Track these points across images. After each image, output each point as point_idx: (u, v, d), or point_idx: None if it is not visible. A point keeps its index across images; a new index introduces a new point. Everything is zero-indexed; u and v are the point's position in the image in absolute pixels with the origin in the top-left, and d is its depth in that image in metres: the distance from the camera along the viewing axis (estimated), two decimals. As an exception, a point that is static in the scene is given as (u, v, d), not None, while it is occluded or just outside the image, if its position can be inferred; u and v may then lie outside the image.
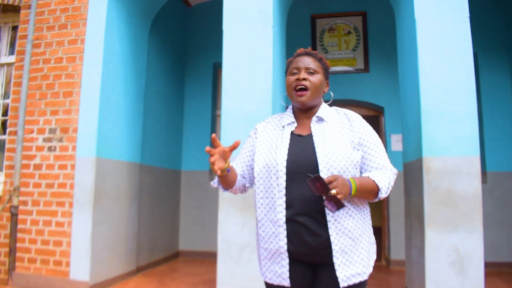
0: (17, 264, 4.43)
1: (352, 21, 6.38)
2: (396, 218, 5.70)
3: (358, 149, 1.69)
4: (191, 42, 6.93)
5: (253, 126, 3.74)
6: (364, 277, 1.63)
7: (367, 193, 1.61)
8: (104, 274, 4.38)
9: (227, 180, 1.76)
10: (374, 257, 1.72)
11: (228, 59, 4.00)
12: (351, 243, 1.61)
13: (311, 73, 1.77)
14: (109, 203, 4.50)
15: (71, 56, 4.56)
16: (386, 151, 5.91)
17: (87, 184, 4.26)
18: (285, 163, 1.66)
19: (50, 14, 4.74)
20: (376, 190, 1.63)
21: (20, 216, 4.48)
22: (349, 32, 6.36)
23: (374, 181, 1.62)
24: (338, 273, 1.59)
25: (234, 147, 1.60)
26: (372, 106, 6.27)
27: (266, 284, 1.75)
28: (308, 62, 1.78)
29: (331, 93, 1.92)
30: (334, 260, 1.59)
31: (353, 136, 1.71)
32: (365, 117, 6.08)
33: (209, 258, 6.07)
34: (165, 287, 4.50)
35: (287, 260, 1.64)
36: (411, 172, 3.95)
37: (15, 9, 5.18)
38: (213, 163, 1.58)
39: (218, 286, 3.75)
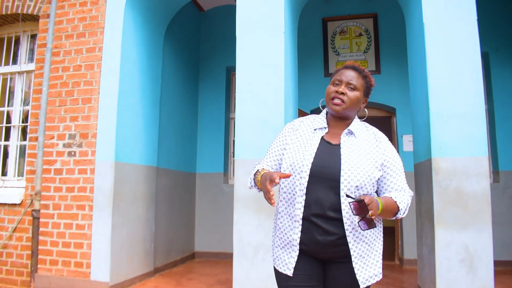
0: (39, 266, 4.60)
1: (363, 23, 6.45)
2: (409, 218, 5.73)
3: (380, 170, 1.81)
4: (204, 47, 7.07)
5: (266, 129, 3.88)
6: (380, 277, 1.79)
7: (388, 213, 1.73)
8: (123, 275, 4.53)
9: None
10: None
11: (241, 65, 4.12)
12: (368, 247, 1.76)
13: (351, 89, 1.86)
14: (127, 206, 4.65)
15: (90, 63, 4.71)
16: (398, 152, 5.97)
17: (106, 187, 4.41)
18: (310, 166, 1.77)
19: (69, 23, 4.91)
20: (396, 210, 1.75)
21: (41, 220, 4.64)
22: (360, 34, 6.44)
23: (396, 202, 1.74)
24: (358, 276, 1.73)
25: (286, 176, 1.69)
26: (384, 107, 6.33)
27: (276, 271, 1.88)
28: (351, 77, 1.87)
29: (366, 110, 2.01)
30: (354, 264, 1.74)
31: (377, 156, 1.82)
32: (377, 118, 6.13)
33: (224, 259, 6.19)
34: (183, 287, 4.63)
35: (297, 252, 1.77)
36: (421, 173, 4.02)
37: (34, 18, 5.35)
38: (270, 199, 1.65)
39: (234, 285, 3.87)
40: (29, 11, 5.24)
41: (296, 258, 1.78)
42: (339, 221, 1.71)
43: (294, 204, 1.78)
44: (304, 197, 1.75)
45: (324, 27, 6.57)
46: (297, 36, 5.04)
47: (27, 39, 5.61)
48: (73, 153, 4.62)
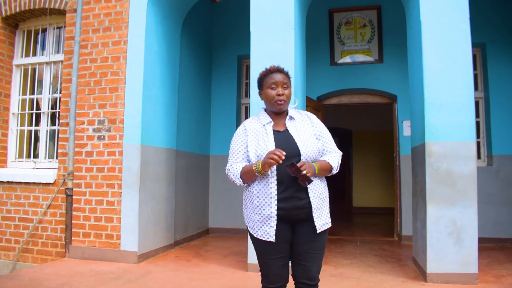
0: (73, 238, 5.12)
1: (367, 14, 6.82)
2: (407, 199, 6.19)
3: (319, 140, 2.37)
4: (216, 37, 7.47)
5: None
6: (329, 225, 2.36)
7: (325, 171, 2.32)
8: (149, 246, 5.05)
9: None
10: None
11: (255, 58, 4.54)
12: (321, 202, 2.30)
13: (285, 88, 2.36)
14: (151, 185, 5.14)
15: (116, 56, 5.15)
16: (398, 136, 6.35)
17: (133, 168, 4.89)
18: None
19: (95, 18, 5.33)
20: (330, 168, 2.34)
21: (74, 197, 5.15)
22: (365, 25, 6.82)
23: (328, 162, 2.33)
24: (316, 223, 2.26)
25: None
26: (386, 94, 6.73)
27: (257, 240, 2.33)
28: (282, 78, 2.36)
29: (296, 100, 2.83)
30: (313, 214, 2.25)
31: (314, 130, 2.39)
32: (379, 105, 6.61)
33: (236, 234, 6.71)
34: (201, 257, 5.15)
35: (275, 222, 2.25)
36: (417, 155, 4.47)
37: (59, 12, 5.76)
38: (276, 162, 2.09)
39: (249, 254, 4.37)
40: (56, 6, 5.64)
41: (275, 227, 2.24)
42: (304, 188, 2.23)
43: (268, 184, 2.23)
44: (275, 177, 2.22)
45: (330, 18, 6.95)
46: (305, 29, 5.44)
47: (53, 32, 6.05)
48: (102, 137, 5.09)
